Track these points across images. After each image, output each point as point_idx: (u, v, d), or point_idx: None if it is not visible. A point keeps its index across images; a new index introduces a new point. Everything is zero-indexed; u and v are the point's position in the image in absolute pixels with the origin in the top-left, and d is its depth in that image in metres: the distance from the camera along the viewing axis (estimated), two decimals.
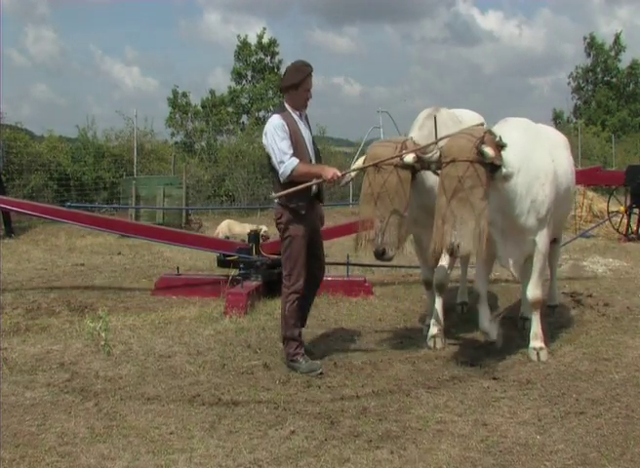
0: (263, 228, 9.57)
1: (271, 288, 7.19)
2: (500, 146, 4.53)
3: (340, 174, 4.78)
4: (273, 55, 30.16)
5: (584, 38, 38.85)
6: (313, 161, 4.98)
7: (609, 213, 12.92)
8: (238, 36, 30.35)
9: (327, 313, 6.61)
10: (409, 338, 5.74)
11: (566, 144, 5.79)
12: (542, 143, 5.14)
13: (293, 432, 3.77)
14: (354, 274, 7.89)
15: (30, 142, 18.30)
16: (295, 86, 4.84)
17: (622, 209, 12.54)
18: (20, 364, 4.98)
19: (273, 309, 6.71)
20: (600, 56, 37.88)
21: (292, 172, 4.72)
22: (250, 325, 6.11)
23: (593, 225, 12.98)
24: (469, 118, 5.83)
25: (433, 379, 4.65)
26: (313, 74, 4.90)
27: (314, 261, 5.04)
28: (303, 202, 4.83)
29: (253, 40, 29.95)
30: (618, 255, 10.38)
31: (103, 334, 5.61)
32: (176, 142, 26.96)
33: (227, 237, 10.76)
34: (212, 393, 4.38)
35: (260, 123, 27.33)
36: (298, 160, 4.74)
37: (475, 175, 4.43)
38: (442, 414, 4.02)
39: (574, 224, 13.73)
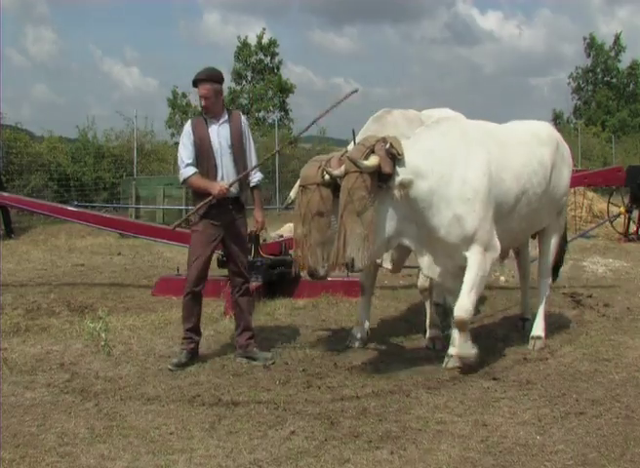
0: None
1: (271, 288, 7.20)
2: (391, 155, 4.37)
3: (225, 188, 4.85)
4: (273, 55, 30.18)
5: (584, 38, 38.90)
6: (222, 168, 4.97)
7: (609, 213, 12.92)
8: (238, 37, 30.40)
9: (327, 313, 6.61)
10: (409, 339, 5.74)
11: (532, 142, 5.20)
12: (471, 149, 4.66)
13: (293, 432, 3.77)
14: (354, 274, 7.87)
15: (30, 143, 18.27)
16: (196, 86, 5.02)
17: (622, 209, 12.54)
18: (20, 364, 4.98)
19: (273, 309, 6.71)
20: (600, 56, 37.90)
21: (184, 181, 5.02)
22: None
23: (593, 226, 12.98)
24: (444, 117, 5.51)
25: (433, 380, 4.65)
26: (207, 84, 4.95)
27: (233, 265, 5.15)
28: (209, 208, 4.93)
29: (252, 41, 29.98)
30: (618, 256, 10.39)
31: (103, 335, 5.61)
32: (176, 143, 26.91)
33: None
34: (212, 393, 4.38)
35: (261, 123, 27.39)
36: (192, 171, 4.93)
37: (363, 185, 4.33)
38: (442, 415, 4.02)
39: (574, 225, 13.75)
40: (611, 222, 12.72)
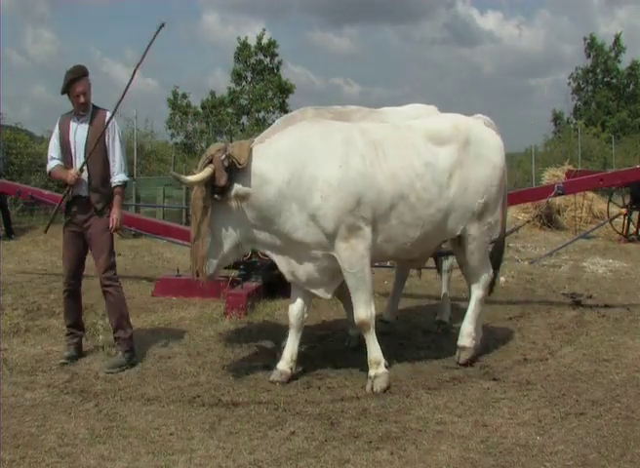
0: None
1: (271, 289, 7.20)
2: (230, 165, 4.36)
3: (75, 173, 4.95)
4: (273, 56, 30.19)
5: (584, 39, 38.92)
6: (79, 164, 5.00)
7: (609, 214, 12.93)
8: (238, 38, 30.41)
9: (327, 314, 6.61)
10: (409, 339, 5.74)
11: (422, 142, 4.74)
12: (327, 149, 4.48)
13: (293, 433, 3.77)
14: None
15: (30, 143, 18.26)
16: (64, 92, 5.03)
17: (623, 210, 12.55)
18: (20, 365, 4.98)
19: (273, 310, 6.71)
20: (600, 56, 37.92)
21: (50, 173, 5.24)
22: (250, 326, 6.11)
23: (593, 226, 12.98)
24: (413, 113, 5.29)
25: (433, 380, 4.65)
26: (88, 78, 5.03)
27: (95, 265, 5.21)
28: (70, 207, 5.11)
29: (252, 41, 30.00)
30: (618, 256, 10.39)
31: (103, 336, 5.61)
32: (176, 143, 26.99)
33: None
34: (212, 394, 4.38)
35: (261, 124, 27.38)
36: (54, 164, 5.14)
37: (201, 196, 4.40)
38: (442, 415, 4.02)
39: (574, 225, 13.75)
40: (611, 223, 12.72)
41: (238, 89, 30.00)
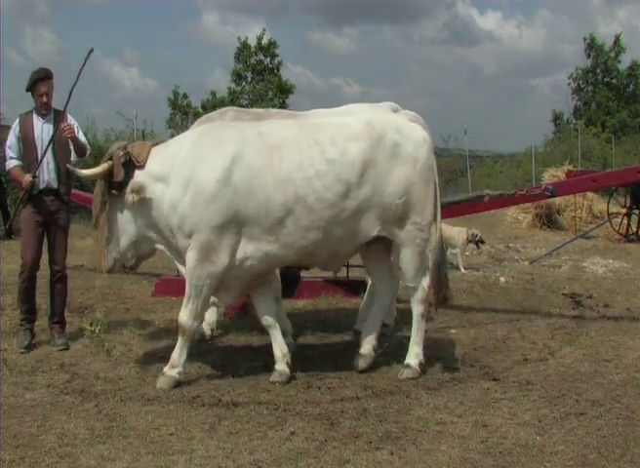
0: (477, 233, 9.15)
1: None
2: (128, 162, 4.58)
3: (28, 179, 5.23)
4: (273, 56, 30.19)
5: (584, 39, 38.91)
6: (50, 162, 5.35)
7: (609, 214, 12.93)
8: (238, 38, 30.41)
9: (327, 314, 6.61)
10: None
11: (328, 140, 4.53)
12: (212, 160, 4.44)
13: (293, 433, 3.77)
14: (354, 275, 7.88)
15: None
16: (29, 91, 5.40)
17: (623, 210, 12.55)
18: (20, 365, 4.98)
19: None
20: (600, 57, 37.91)
21: (8, 172, 5.51)
22: (250, 326, 6.11)
23: (593, 226, 12.99)
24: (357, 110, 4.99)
25: (433, 380, 4.65)
26: (52, 80, 5.42)
27: (51, 254, 5.54)
28: (29, 200, 5.47)
29: (252, 41, 30.01)
30: (618, 256, 10.39)
31: (103, 336, 5.61)
32: None
33: None
34: (212, 394, 4.38)
35: None
36: (14, 164, 5.40)
37: (100, 191, 4.66)
38: (442, 415, 4.02)
39: (574, 225, 13.75)
40: (611, 223, 12.72)
41: (238, 89, 30.00)
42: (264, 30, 30.57)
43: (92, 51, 5.10)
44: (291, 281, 7.28)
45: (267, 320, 4.78)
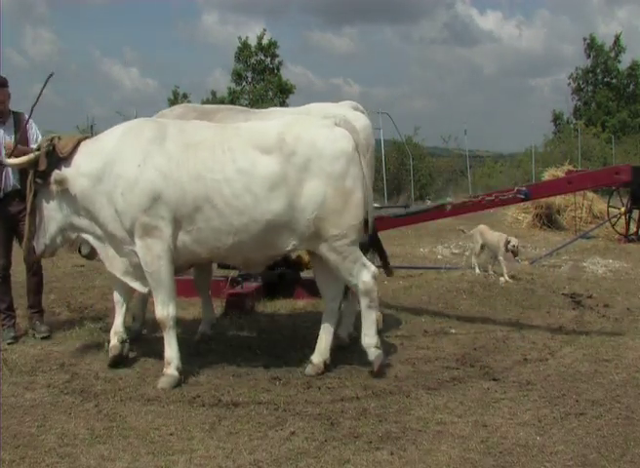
0: (513, 240, 8.43)
1: (271, 289, 7.20)
2: (53, 153, 4.74)
3: None
4: (273, 56, 30.22)
5: (584, 39, 38.95)
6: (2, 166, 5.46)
7: (609, 214, 12.93)
8: (239, 38, 30.45)
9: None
10: (409, 339, 5.74)
11: (242, 147, 4.55)
12: (138, 148, 4.59)
13: (293, 433, 3.77)
14: None
15: None
16: None
17: (623, 210, 12.55)
18: (20, 365, 4.98)
19: (273, 310, 6.71)
20: (600, 57, 37.95)
21: None
22: (250, 326, 6.11)
23: (593, 226, 12.98)
24: (316, 112, 5.19)
25: (433, 380, 4.65)
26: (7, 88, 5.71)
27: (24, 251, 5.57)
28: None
29: (253, 41, 30.03)
30: (618, 256, 10.38)
31: (103, 336, 5.61)
32: None
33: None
34: (212, 394, 4.38)
35: None
36: None
37: (29, 180, 4.85)
38: (442, 415, 4.02)
39: (574, 225, 13.75)
40: (611, 223, 12.73)
41: (238, 89, 30.03)
42: (265, 30, 30.65)
43: (52, 75, 5.15)
44: (291, 281, 7.29)
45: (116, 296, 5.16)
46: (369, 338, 4.77)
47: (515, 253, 8.51)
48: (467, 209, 6.53)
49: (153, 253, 4.55)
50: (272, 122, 4.79)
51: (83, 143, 4.83)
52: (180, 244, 4.61)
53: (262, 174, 4.46)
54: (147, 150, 4.56)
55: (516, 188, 6.27)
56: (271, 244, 4.63)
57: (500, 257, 8.37)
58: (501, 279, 8.13)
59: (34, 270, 5.92)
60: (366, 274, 4.71)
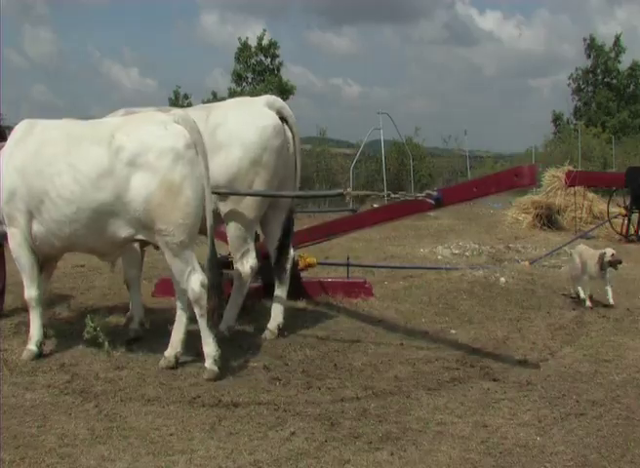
0: (608, 251, 7.19)
1: (271, 289, 7.19)
2: None
3: None
4: (273, 57, 30.24)
5: (584, 39, 38.96)
6: None
7: (609, 214, 12.94)
8: (239, 38, 30.47)
9: (327, 314, 6.61)
10: (409, 340, 5.74)
11: (75, 141, 4.88)
12: (8, 146, 5.10)
13: (293, 433, 3.77)
14: (354, 275, 7.89)
15: None
16: None
17: (623, 210, 12.55)
18: (20, 365, 4.98)
19: None
20: (600, 57, 37.96)
21: None
22: (250, 326, 6.11)
23: (593, 226, 12.99)
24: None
25: (433, 381, 4.65)
26: None
27: None
28: None
29: (253, 42, 30.05)
30: (618, 257, 10.36)
31: (103, 336, 5.61)
32: None
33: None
34: (212, 394, 4.38)
35: None
36: None
37: None
38: (442, 416, 4.02)
39: (574, 226, 13.76)
40: (610, 223, 12.73)
41: (239, 89, 30.04)
42: (265, 31, 30.67)
43: None
44: (291, 281, 7.28)
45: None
46: (208, 348, 4.78)
47: (612, 264, 7.08)
48: (382, 215, 6.43)
49: (15, 242, 5.11)
50: (112, 119, 5.28)
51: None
52: (35, 234, 5.05)
53: (90, 166, 4.77)
54: (13, 148, 5.06)
55: (426, 192, 5.52)
56: (106, 232, 4.92)
57: (585, 279, 7.17)
58: (502, 279, 8.12)
59: None
60: (194, 281, 4.83)
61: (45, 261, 5.40)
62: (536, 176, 5.59)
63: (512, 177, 5.34)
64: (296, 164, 5.85)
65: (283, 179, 5.74)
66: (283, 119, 5.62)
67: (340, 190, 5.72)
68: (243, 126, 5.45)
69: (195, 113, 5.35)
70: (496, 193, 5.85)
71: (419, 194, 5.53)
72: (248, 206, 5.51)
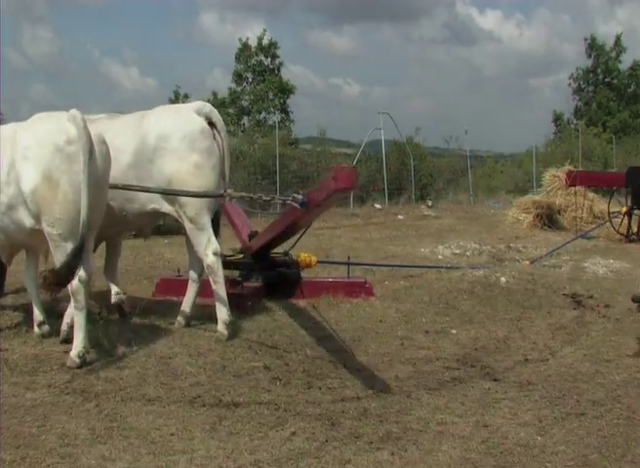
0: None
1: (271, 289, 7.20)
2: None
3: None
4: (274, 57, 30.23)
5: (585, 39, 38.95)
6: None
7: (609, 214, 12.94)
8: (240, 39, 30.47)
9: (327, 314, 6.61)
10: (409, 339, 5.74)
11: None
12: None
13: (293, 433, 3.77)
14: (355, 275, 7.89)
15: None
16: None
17: (623, 210, 12.55)
18: (20, 365, 4.97)
19: (274, 310, 6.71)
20: (601, 57, 37.95)
21: None
22: (250, 326, 6.11)
23: (593, 226, 12.99)
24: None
25: (434, 381, 4.65)
26: None
27: None
28: None
29: (253, 42, 30.06)
30: (618, 256, 10.38)
31: (103, 336, 5.61)
32: None
33: None
34: (212, 394, 4.38)
35: (261, 124, 27.42)
36: None
37: None
38: (443, 416, 4.02)
39: (574, 225, 13.76)
40: (611, 223, 12.72)
41: (239, 89, 30.05)
42: (265, 31, 30.68)
43: None
44: (291, 281, 7.29)
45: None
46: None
47: None
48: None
49: None
50: (21, 122, 5.47)
51: None
52: None
53: (2, 164, 5.17)
54: None
55: (293, 195, 5.30)
56: (20, 223, 5.23)
57: None
58: (502, 279, 8.12)
59: None
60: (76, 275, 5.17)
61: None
62: (350, 180, 4.82)
63: (330, 181, 4.88)
64: (224, 164, 6.06)
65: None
66: (211, 124, 5.93)
67: (220, 191, 5.85)
68: (172, 131, 5.80)
69: (128, 119, 6.00)
70: (326, 199, 5.22)
71: (287, 197, 5.45)
72: (194, 200, 5.73)
